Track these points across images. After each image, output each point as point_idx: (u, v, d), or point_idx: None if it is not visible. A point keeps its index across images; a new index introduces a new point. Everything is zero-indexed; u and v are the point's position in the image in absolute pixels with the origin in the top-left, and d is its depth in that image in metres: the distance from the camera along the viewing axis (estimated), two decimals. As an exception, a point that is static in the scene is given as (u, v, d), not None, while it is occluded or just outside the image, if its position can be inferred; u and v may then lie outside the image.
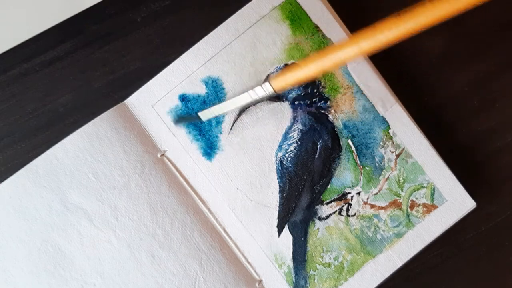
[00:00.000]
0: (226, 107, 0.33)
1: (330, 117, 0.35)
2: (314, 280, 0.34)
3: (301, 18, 0.35)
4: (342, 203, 0.35)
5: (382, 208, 0.34)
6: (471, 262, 0.36)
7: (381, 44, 0.26)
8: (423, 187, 0.34)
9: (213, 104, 0.34)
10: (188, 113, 0.34)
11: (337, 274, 0.34)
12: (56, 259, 0.34)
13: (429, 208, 0.34)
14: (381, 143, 0.34)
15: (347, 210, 0.34)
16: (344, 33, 0.34)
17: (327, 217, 0.35)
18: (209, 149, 0.35)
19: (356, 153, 0.35)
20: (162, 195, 0.35)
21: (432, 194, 0.34)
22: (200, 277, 0.34)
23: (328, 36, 0.34)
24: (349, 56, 0.27)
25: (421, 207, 0.34)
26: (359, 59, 0.34)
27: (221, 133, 0.35)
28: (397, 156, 0.34)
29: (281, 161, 0.35)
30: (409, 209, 0.34)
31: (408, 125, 0.34)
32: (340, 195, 0.35)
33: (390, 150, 0.34)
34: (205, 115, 0.34)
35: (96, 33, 0.36)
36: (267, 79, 0.30)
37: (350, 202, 0.34)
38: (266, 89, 0.31)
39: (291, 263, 0.34)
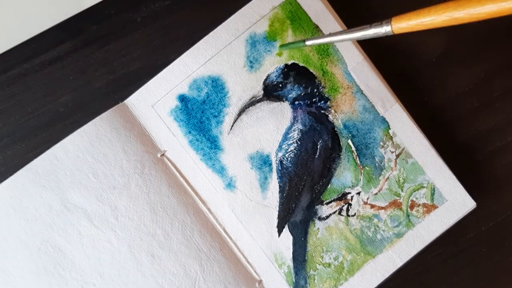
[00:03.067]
0: (336, 38, 0.31)
1: (330, 117, 0.35)
2: (314, 280, 0.34)
3: (301, 18, 0.35)
4: (342, 203, 0.35)
5: (382, 208, 0.34)
6: (471, 262, 0.36)
7: None
8: (423, 187, 0.34)
9: (322, 36, 0.32)
10: (295, 41, 0.33)
11: (337, 274, 0.34)
12: (56, 259, 0.34)
13: (429, 208, 0.34)
14: (381, 143, 0.34)
15: (347, 210, 0.34)
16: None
17: (327, 217, 0.35)
18: (209, 149, 0.35)
19: (356, 153, 0.35)
20: (162, 195, 0.35)
21: (432, 194, 0.34)
22: (200, 277, 0.34)
23: (328, 36, 0.34)
24: (485, 13, 0.24)
25: (421, 207, 0.34)
26: (361, 59, 0.34)
27: (221, 133, 0.35)
28: (397, 156, 0.34)
29: (281, 161, 0.35)
30: (409, 209, 0.34)
31: (408, 125, 0.34)
32: (340, 195, 0.35)
33: (390, 150, 0.34)
34: (311, 42, 0.32)
35: (96, 33, 0.36)
36: (389, 19, 0.28)
37: (350, 202, 0.34)
38: (386, 30, 0.28)
39: (291, 263, 0.34)
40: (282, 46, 0.34)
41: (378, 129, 0.34)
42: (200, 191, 0.35)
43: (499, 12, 0.24)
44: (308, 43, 0.32)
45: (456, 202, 0.34)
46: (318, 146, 0.35)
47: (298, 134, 0.35)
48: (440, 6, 0.26)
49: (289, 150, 0.35)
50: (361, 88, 0.34)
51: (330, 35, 0.31)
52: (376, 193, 0.34)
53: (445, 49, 0.36)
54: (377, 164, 0.34)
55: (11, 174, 0.34)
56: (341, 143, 0.35)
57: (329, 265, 0.34)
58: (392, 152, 0.34)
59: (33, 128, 0.36)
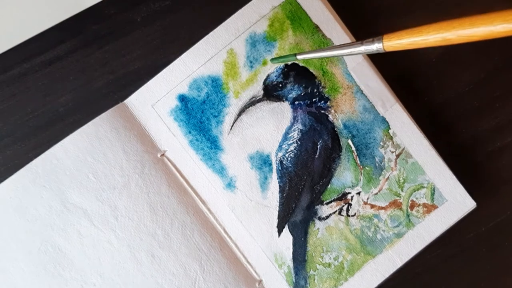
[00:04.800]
0: (327, 54, 0.30)
1: (330, 117, 0.35)
2: (314, 280, 0.34)
3: (301, 18, 0.35)
4: (342, 203, 0.35)
5: (382, 208, 0.34)
6: (471, 262, 0.36)
7: None
8: (423, 187, 0.34)
9: (314, 50, 0.32)
10: (287, 55, 0.33)
11: (337, 274, 0.34)
12: (56, 259, 0.34)
13: (429, 208, 0.34)
14: (381, 143, 0.34)
15: (347, 210, 0.34)
16: (344, 33, 0.34)
17: (327, 217, 0.35)
18: (209, 149, 0.35)
19: (356, 153, 0.35)
20: (162, 195, 0.35)
21: (432, 194, 0.34)
22: (200, 277, 0.34)
23: (328, 36, 0.34)
24: (478, 35, 0.24)
25: (421, 207, 0.34)
26: (361, 59, 0.34)
27: (221, 133, 0.35)
28: (397, 156, 0.34)
29: (281, 161, 0.35)
30: (409, 209, 0.34)
31: (408, 125, 0.34)
32: (340, 195, 0.35)
33: (390, 150, 0.34)
34: (302, 56, 0.32)
35: (96, 33, 0.36)
36: (380, 36, 0.28)
37: (350, 202, 0.34)
38: (377, 47, 0.28)
39: (291, 263, 0.34)
40: (273, 59, 0.34)
41: (378, 129, 0.34)
42: (200, 191, 0.35)
43: (491, 34, 0.24)
44: (299, 57, 0.32)
45: (456, 202, 0.34)
46: (318, 146, 0.35)
47: (298, 134, 0.35)
48: (433, 27, 0.26)
49: (289, 150, 0.35)
50: (361, 88, 0.34)
51: (322, 50, 0.31)
52: (376, 193, 0.34)
53: (445, 49, 0.36)
54: (377, 164, 0.34)
55: (11, 174, 0.34)
56: (341, 143, 0.35)
57: (329, 265, 0.34)
58: (392, 152, 0.34)
59: (33, 128, 0.36)
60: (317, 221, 0.35)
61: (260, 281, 0.35)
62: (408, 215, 0.34)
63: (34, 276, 0.34)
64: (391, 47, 0.28)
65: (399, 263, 0.34)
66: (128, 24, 0.36)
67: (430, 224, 0.34)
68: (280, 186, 0.35)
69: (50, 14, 0.36)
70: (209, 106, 0.35)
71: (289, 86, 0.35)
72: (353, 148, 0.35)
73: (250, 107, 0.35)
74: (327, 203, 0.35)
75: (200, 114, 0.35)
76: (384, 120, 0.34)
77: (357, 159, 0.35)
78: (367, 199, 0.34)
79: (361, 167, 0.35)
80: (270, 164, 0.35)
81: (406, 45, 0.27)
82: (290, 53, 0.33)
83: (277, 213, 0.35)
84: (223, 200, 0.35)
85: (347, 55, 0.30)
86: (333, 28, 0.34)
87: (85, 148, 0.34)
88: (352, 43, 0.29)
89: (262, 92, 0.35)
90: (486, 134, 0.36)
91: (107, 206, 0.34)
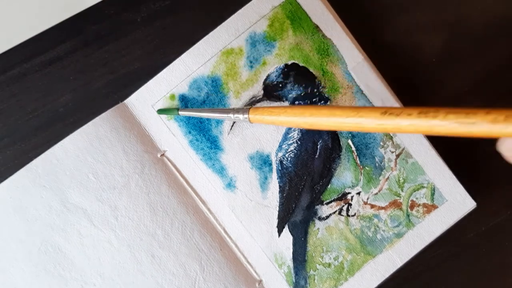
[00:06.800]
0: (205, 114, 0.34)
1: (330, 117, 0.35)
2: (314, 280, 0.34)
3: (301, 18, 0.35)
4: (342, 203, 0.35)
5: (382, 208, 0.34)
6: (471, 262, 0.36)
7: (386, 130, 0.24)
8: (423, 187, 0.34)
9: (195, 109, 0.34)
10: (170, 108, 0.35)
11: (337, 274, 0.34)
12: (56, 259, 0.34)
13: (429, 208, 0.34)
14: (381, 143, 0.34)
15: (347, 210, 0.34)
16: (344, 33, 0.34)
17: (327, 217, 0.35)
18: (209, 149, 0.35)
19: (356, 153, 0.35)
20: (162, 195, 0.35)
21: (432, 194, 0.34)
22: (200, 277, 0.34)
23: (328, 36, 0.34)
24: (337, 126, 0.26)
25: (421, 207, 0.34)
26: (360, 59, 0.34)
27: (221, 133, 0.35)
28: (397, 156, 0.34)
29: (281, 161, 0.35)
30: (409, 209, 0.34)
31: (408, 125, 0.34)
32: (340, 195, 0.35)
33: (390, 150, 0.34)
34: (184, 112, 0.34)
35: (96, 33, 0.36)
36: (249, 107, 0.32)
37: (350, 202, 0.34)
38: (244, 117, 0.32)
39: (291, 263, 0.34)
40: (159, 110, 0.35)
41: (378, 129, 0.34)
42: (200, 191, 0.35)
43: (336, 127, 0.26)
44: (181, 113, 0.34)
45: (456, 202, 0.34)
46: (318, 146, 0.35)
47: (298, 134, 0.35)
48: (289, 111, 0.28)
49: (289, 150, 0.35)
50: (361, 88, 0.34)
51: (201, 110, 0.34)
52: (376, 193, 0.34)
53: (445, 49, 0.36)
54: (377, 164, 0.34)
55: (11, 174, 0.34)
56: (341, 143, 0.35)
57: (329, 265, 0.34)
58: (392, 152, 0.34)
59: (33, 128, 0.36)
60: (317, 221, 0.35)
61: (260, 281, 0.35)
62: (408, 215, 0.34)
63: (34, 276, 0.34)
64: (255, 120, 0.31)
65: (399, 263, 0.34)
66: (128, 24, 0.36)
67: (430, 224, 0.34)
68: (280, 186, 0.35)
69: (50, 14, 0.36)
70: (209, 106, 0.35)
71: (289, 86, 0.35)
72: (353, 148, 0.35)
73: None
74: (327, 203, 0.35)
75: (200, 114, 0.35)
76: (384, 120, 0.34)
77: (357, 159, 0.35)
78: (367, 199, 0.34)
79: (361, 167, 0.35)
80: (270, 164, 0.35)
81: (268, 121, 0.30)
82: (173, 108, 0.35)
83: (277, 213, 0.35)
84: (223, 200, 0.35)
85: (219, 118, 0.33)
86: (333, 28, 0.34)
87: (85, 148, 0.34)
88: (226, 109, 0.33)
89: (262, 92, 0.35)
90: (486, 134, 0.36)
91: (107, 206, 0.34)
